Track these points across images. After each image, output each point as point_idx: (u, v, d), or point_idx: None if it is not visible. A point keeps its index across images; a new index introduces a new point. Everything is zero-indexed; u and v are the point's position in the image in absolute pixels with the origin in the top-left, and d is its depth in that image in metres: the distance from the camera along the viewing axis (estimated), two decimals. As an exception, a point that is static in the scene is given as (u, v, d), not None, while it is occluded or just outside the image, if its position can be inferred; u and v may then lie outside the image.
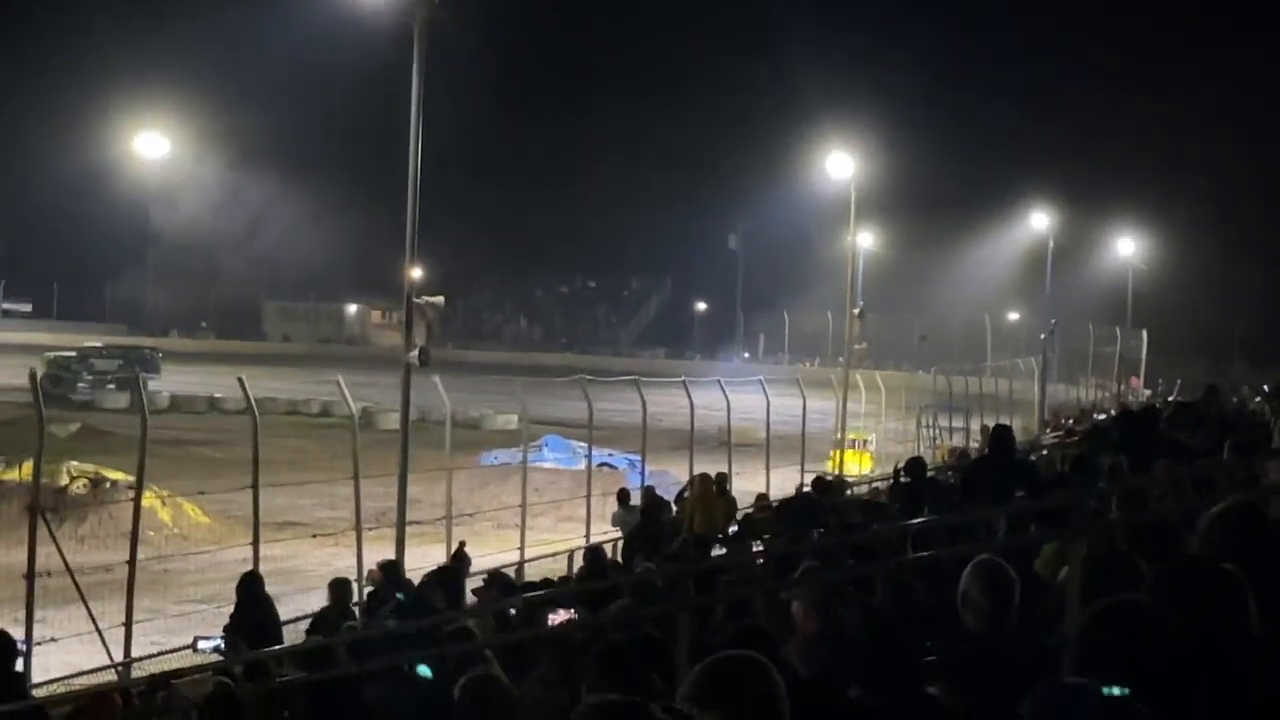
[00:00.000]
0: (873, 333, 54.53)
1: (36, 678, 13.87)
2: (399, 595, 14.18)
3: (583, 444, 29.56)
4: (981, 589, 5.77)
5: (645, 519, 20.46)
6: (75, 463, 29.78)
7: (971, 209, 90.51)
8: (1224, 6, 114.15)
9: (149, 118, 50.57)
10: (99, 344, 66.63)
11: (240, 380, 19.64)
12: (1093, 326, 64.22)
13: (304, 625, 15.50)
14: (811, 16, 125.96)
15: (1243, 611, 4.05)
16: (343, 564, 19.42)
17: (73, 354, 62.34)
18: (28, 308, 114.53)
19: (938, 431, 42.02)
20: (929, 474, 17.98)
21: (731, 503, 22.26)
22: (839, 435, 36.33)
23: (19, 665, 11.10)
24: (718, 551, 16.20)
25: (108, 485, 28.21)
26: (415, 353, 20.10)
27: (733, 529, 19.65)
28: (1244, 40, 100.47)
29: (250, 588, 14.67)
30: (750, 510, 22.55)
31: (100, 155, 74.73)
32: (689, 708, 3.81)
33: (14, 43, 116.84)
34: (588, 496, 24.99)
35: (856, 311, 40.20)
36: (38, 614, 15.09)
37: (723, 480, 23.06)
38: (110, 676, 14.71)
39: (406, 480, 20.29)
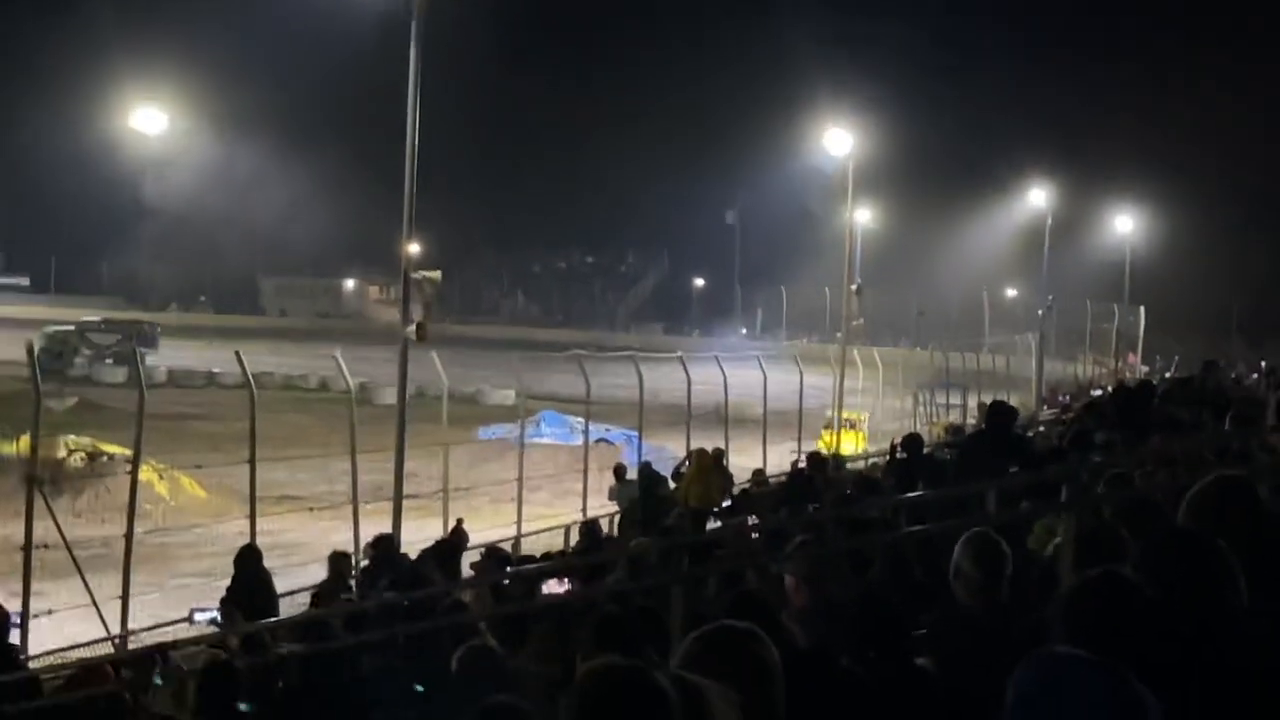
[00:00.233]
0: (870, 309, 54.36)
1: (34, 649, 13.92)
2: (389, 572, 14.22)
3: (580, 419, 29.59)
4: (974, 561, 5.79)
5: (642, 494, 20.52)
6: (73, 436, 29.79)
7: (970, 184, 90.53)
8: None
9: (146, 91, 50.33)
10: (97, 318, 66.55)
11: (238, 355, 19.64)
12: (1090, 303, 64.14)
13: (300, 599, 15.53)
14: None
15: (1231, 584, 4.07)
16: (340, 538, 19.44)
17: (70, 328, 62.24)
18: (25, 282, 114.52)
19: (935, 408, 42.01)
20: (925, 450, 18.01)
21: (728, 478, 22.32)
22: (830, 413, 36.20)
23: (14, 638, 11.14)
24: (713, 526, 16.25)
25: (105, 459, 28.21)
26: (412, 328, 20.11)
27: (725, 504, 19.71)
28: (1246, 13, 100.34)
29: (247, 561, 14.70)
30: (747, 485, 22.63)
31: (98, 129, 74.40)
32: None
33: (12, 17, 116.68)
34: (584, 471, 25.02)
35: (854, 287, 40.15)
36: (35, 587, 15.14)
37: (719, 456, 23.12)
38: (107, 649, 14.74)
39: (404, 455, 20.33)
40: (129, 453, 19.67)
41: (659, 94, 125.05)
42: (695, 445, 24.01)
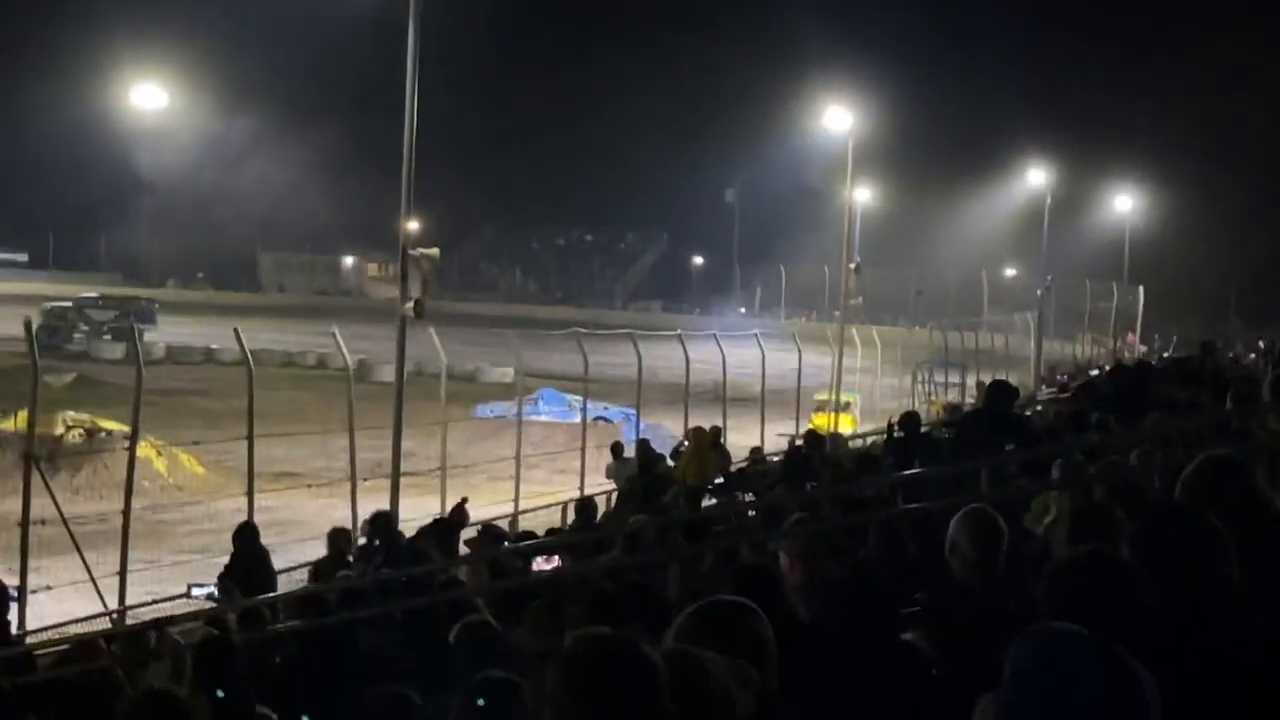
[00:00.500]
0: (869, 287, 54.44)
1: (31, 625, 13.94)
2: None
3: (578, 397, 29.59)
4: (969, 537, 5.80)
5: (639, 472, 20.53)
6: (71, 412, 29.78)
7: (969, 164, 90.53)
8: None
9: (146, 68, 50.30)
10: (95, 294, 66.50)
11: (236, 331, 19.61)
12: (1089, 282, 64.16)
13: (298, 575, 15.55)
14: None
15: (1225, 561, 4.07)
16: (338, 515, 19.44)
17: (69, 304, 62.23)
18: (23, 258, 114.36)
19: (933, 387, 42.01)
20: (923, 429, 18.03)
21: (725, 456, 22.34)
22: (820, 395, 36.03)
23: (11, 614, 11.15)
24: (709, 504, 16.27)
25: (103, 435, 28.23)
26: (411, 305, 20.07)
27: (719, 480, 19.72)
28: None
29: (245, 538, 14.71)
30: (744, 464, 22.65)
31: (96, 105, 74.40)
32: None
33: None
34: (582, 449, 25.00)
35: (853, 266, 40.14)
36: (33, 563, 15.13)
37: (717, 434, 23.14)
38: (104, 624, 14.76)
39: (401, 432, 20.32)
40: (127, 429, 19.68)
41: (658, 72, 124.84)
42: (693, 424, 24.02)
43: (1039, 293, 54.54)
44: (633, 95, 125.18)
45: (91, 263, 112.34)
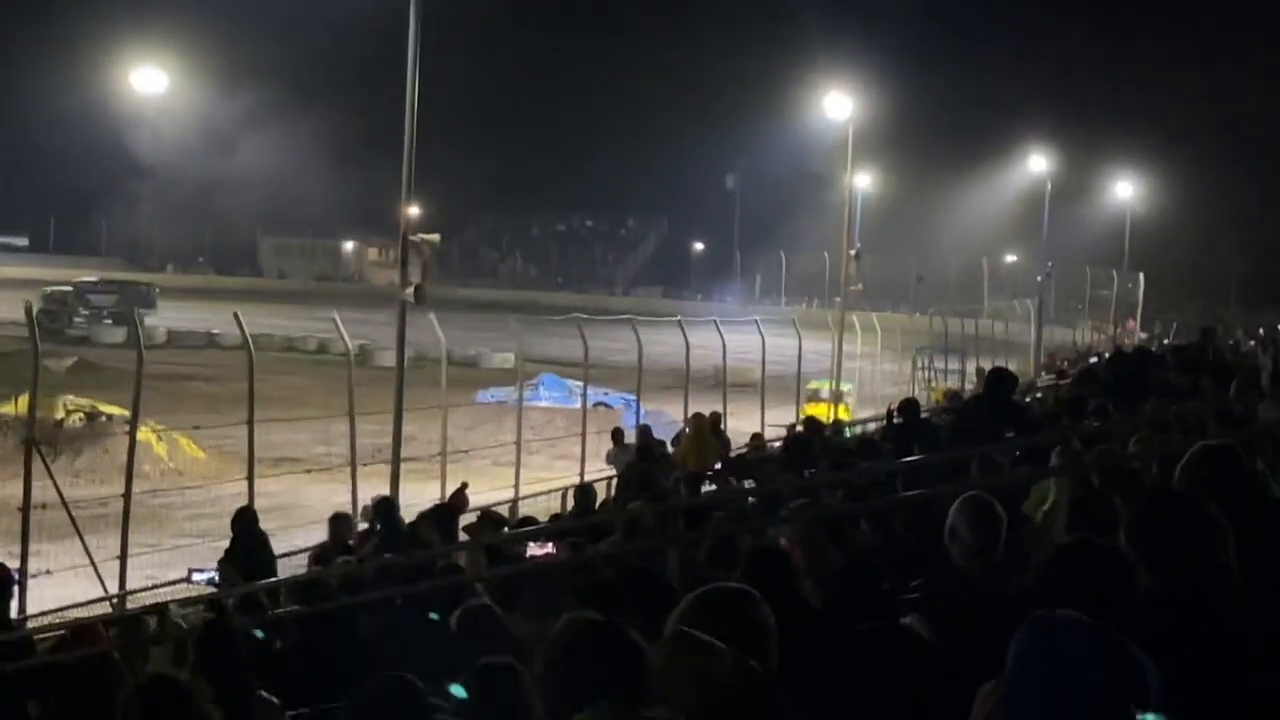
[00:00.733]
0: (869, 274, 54.38)
1: (31, 609, 13.95)
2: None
3: (579, 383, 29.59)
4: (968, 524, 5.80)
5: (639, 457, 20.53)
6: (71, 397, 29.77)
7: (970, 150, 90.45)
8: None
9: (147, 50, 50.34)
10: (95, 279, 66.40)
11: (236, 316, 19.61)
12: (1090, 269, 64.16)
13: (298, 560, 15.56)
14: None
15: (1222, 548, 4.08)
16: (338, 500, 19.45)
17: (69, 288, 62.18)
18: (24, 242, 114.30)
19: (933, 373, 42.02)
20: (923, 416, 18.01)
21: (725, 442, 22.35)
22: (813, 384, 35.81)
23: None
24: (708, 489, 16.26)
25: (103, 420, 28.23)
26: (411, 290, 20.08)
27: (717, 466, 19.73)
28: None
29: (244, 522, 14.72)
30: (744, 450, 22.66)
31: (97, 89, 74.43)
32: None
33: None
34: (583, 435, 25.00)
35: (853, 253, 40.13)
36: (33, 547, 15.16)
37: (717, 420, 23.15)
38: (104, 609, 14.78)
39: (402, 417, 20.34)
40: (127, 413, 19.68)
41: (660, 57, 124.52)
42: (694, 410, 24.02)
43: (1039, 279, 54.56)
44: (634, 81, 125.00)
45: (92, 247, 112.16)
